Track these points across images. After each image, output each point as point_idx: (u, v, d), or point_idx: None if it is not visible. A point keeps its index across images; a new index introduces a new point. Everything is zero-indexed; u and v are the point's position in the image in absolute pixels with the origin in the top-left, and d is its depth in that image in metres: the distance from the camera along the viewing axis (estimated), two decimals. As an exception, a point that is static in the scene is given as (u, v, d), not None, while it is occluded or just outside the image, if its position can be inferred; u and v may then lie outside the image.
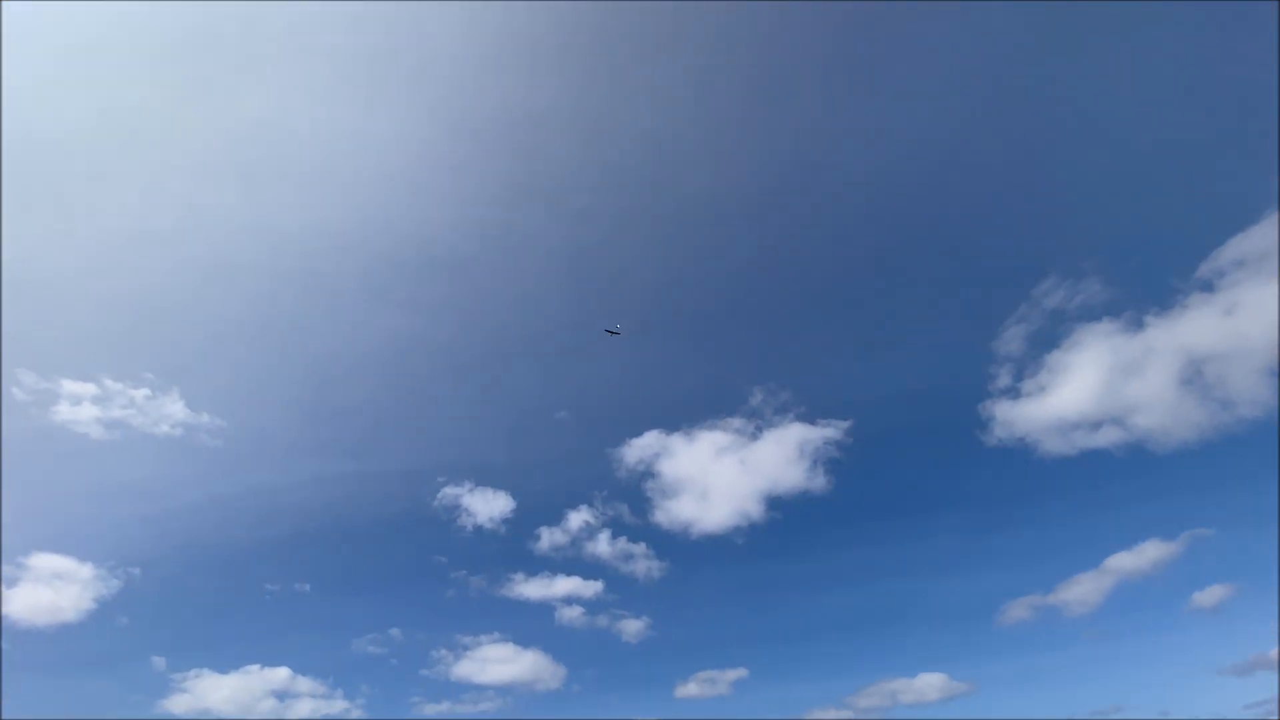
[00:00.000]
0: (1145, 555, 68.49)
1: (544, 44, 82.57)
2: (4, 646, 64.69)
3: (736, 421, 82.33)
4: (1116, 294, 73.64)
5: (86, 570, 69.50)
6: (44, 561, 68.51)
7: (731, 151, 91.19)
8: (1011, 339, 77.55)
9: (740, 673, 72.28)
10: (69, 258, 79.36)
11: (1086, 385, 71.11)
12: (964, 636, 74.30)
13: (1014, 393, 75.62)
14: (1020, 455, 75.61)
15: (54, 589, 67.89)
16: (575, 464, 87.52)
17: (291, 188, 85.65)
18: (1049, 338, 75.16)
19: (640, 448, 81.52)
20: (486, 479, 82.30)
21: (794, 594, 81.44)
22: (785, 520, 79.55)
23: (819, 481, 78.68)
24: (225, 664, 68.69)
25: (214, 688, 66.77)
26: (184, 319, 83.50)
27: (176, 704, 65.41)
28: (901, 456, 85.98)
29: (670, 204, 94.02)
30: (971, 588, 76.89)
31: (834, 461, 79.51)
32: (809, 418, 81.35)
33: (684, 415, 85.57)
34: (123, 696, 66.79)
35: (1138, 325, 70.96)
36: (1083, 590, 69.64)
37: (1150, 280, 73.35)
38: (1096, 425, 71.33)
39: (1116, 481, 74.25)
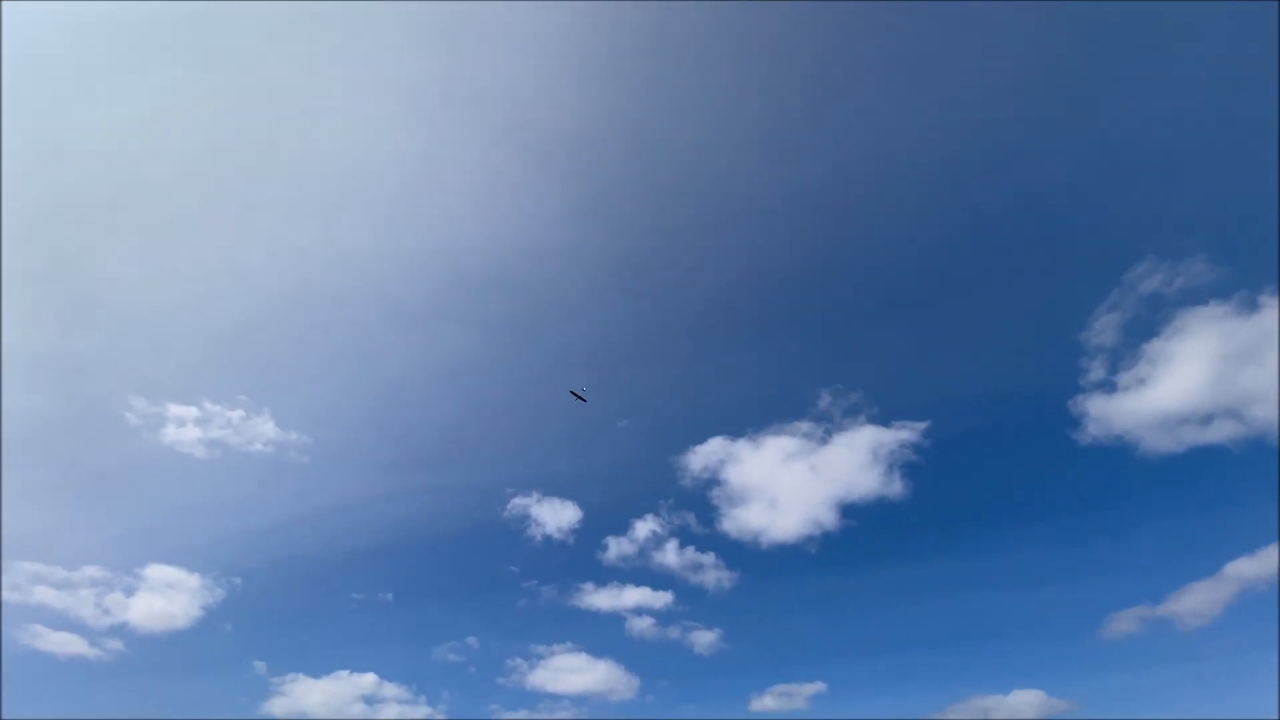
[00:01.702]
0: (1270, 560, 61.65)
1: (593, 60, 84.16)
2: (125, 651, 70.96)
3: (804, 425, 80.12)
4: (1224, 274, 67.64)
5: (194, 580, 75.23)
6: (158, 572, 74.83)
7: (793, 145, 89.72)
8: (1103, 329, 72.31)
9: (818, 687, 69.99)
10: (172, 294, 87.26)
11: (1194, 375, 65.34)
12: (1063, 651, 68.96)
13: (1109, 386, 70.47)
14: (1119, 454, 70.38)
15: (167, 598, 74.00)
16: (640, 473, 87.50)
17: (365, 217, 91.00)
18: (1147, 325, 69.68)
19: (704, 455, 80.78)
20: (553, 489, 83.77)
21: (873, 606, 77.98)
22: (861, 528, 76.65)
23: (895, 487, 75.48)
24: (318, 669, 72.61)
25: (309, 691, 70.52)
26: (272, 343, 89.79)
27: (276, 706, 69.55)
28: (986, 459, 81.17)
29: (729, 206, 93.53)
30: (1070, 598, 71.51)
31: (911, 465, 76.17)
32: (882, 419, 78.32)
33: (748, 420, 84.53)
34: (230, 699, 71.70)
35: (1251, 307, 64.63)
36: (1198, 600, 63.77)
37: (1262, 257, 66.62)
38: (1207, 419, 65.43)
39: (1233, 480, 67.37)
